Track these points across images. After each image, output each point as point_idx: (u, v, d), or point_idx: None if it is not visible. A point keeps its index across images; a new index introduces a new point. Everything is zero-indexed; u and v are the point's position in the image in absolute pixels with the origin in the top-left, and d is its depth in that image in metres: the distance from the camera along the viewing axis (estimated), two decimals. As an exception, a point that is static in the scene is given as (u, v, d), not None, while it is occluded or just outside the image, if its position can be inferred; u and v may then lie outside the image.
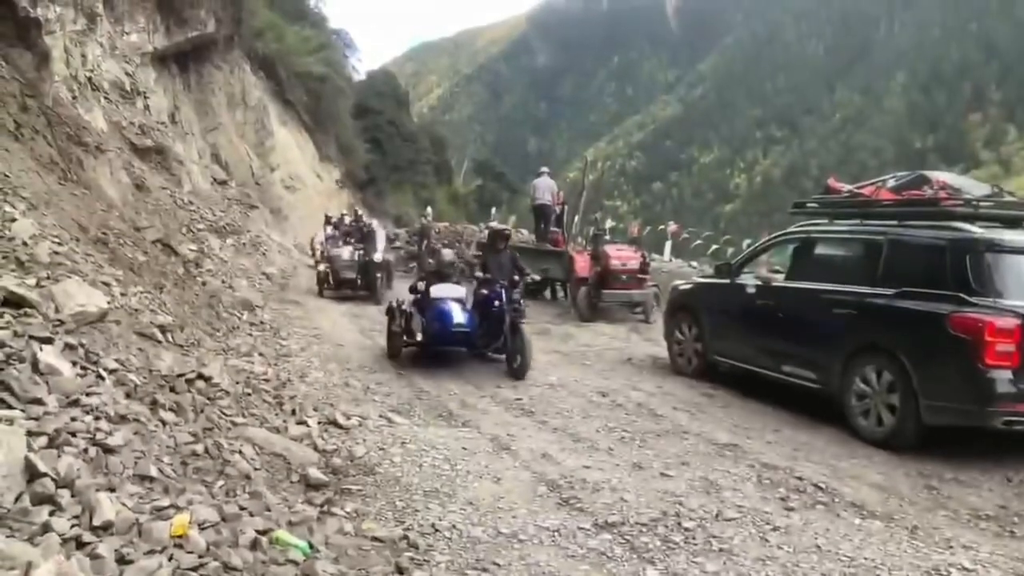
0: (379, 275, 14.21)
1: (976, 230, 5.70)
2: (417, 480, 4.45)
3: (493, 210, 33.64)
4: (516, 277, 8.83)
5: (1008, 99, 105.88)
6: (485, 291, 8.60)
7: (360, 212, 20.96)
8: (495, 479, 4.57)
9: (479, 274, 9.05)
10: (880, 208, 6.72)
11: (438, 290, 8.34)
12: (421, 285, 8.63)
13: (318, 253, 18.16)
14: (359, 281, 14.29)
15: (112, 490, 2.84)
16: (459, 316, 8.02)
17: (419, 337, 8.04)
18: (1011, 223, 6.05)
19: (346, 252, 14.60)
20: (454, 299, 8.26)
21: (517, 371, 7.91)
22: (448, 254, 9.27)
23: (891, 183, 7.05)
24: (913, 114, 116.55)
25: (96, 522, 2.57)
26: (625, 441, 5.69)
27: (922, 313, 5.67)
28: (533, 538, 3.73)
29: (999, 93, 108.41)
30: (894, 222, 6.34)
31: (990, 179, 59.90)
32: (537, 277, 11.58)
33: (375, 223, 16.16)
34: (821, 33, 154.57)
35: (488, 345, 8.27)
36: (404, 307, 8.50)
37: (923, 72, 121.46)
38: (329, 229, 19.01)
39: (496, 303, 8.28)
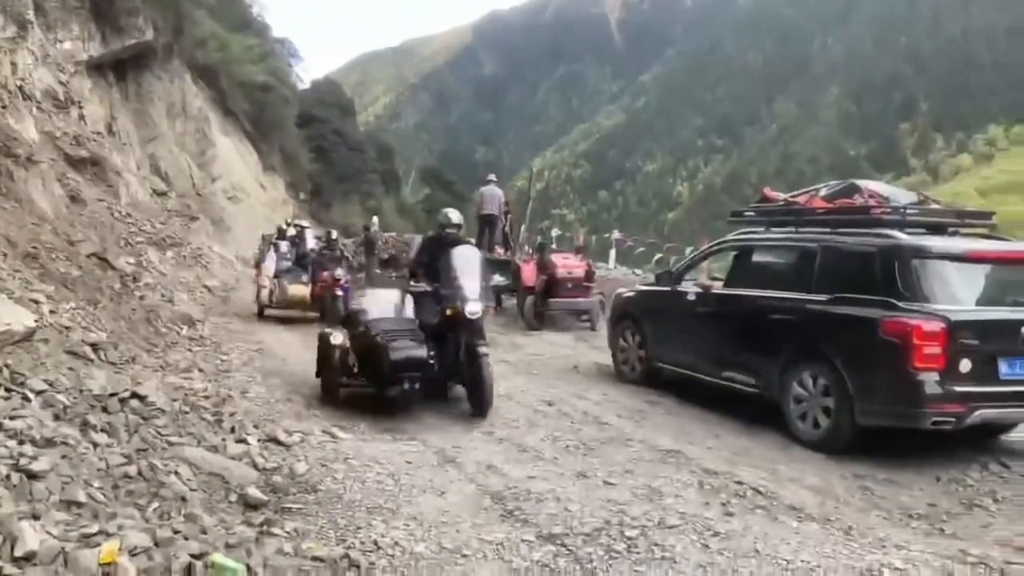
0: (484, 352, 6.54)
1: (903, 237, 5.91)
2: (360, 496, 4.39)
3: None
4: None
5: (935, 109, 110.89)
6: None
7: (335, 235, 14.57)
8: (439, 493, 4.54)
9: None
10: (814, 216, 6.92)
11: None
12: None
13: (264, 292, 12.59)
14: (437, 369, 6.62)
15: (36, 518, 2.74)
16: None
17: None
18: (936, 229, 6.30)
19: (388, 306, 7.14)
20: None
21: None
22: None
23: (824, 192, 7.24)
24: (847, 124, 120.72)
25: (18, 553, 2.48)
26: (570, 450, 5.71)
27: (855, 318, 5.85)
28: (477, 552, 3.71)
29: (927, 104, 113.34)
30: (827, 230, 6.54)
31: (920, 185, 62.44)
32: None
33: (452, 218, 7.45)
34: (760, 46, 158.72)
35: None
36: None
37: (856, 84, 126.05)
38: (285, 247, 13.54)
39: None
